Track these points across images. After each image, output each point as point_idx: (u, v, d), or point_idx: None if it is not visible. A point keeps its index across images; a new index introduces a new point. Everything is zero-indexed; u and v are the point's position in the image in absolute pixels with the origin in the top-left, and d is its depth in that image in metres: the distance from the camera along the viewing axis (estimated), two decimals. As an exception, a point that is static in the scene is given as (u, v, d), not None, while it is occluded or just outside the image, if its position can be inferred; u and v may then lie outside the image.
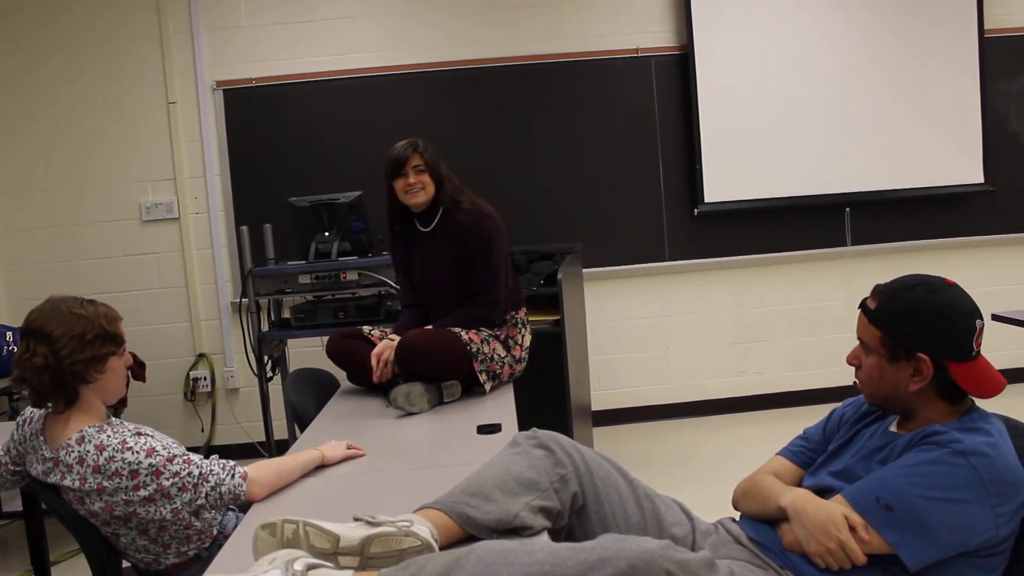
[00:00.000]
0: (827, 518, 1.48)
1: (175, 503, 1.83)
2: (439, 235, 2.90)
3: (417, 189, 2.84)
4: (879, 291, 1.61)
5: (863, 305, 1.62)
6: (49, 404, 1.91)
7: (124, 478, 1.79)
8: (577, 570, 1.25)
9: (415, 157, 2.84)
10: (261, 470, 1.88)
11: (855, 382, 1.67)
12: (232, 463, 1.88)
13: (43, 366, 1.82)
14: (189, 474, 1.81)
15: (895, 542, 1.42)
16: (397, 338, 2.74)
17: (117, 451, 1.79)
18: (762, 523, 1.66)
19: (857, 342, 1.66)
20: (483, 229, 2.84)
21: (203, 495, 1.83)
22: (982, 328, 1.55)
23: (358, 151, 4.69)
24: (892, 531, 1.43)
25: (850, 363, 1.66)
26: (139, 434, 1.84)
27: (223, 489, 1.84)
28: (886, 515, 1.43)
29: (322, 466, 2.03)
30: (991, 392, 1.54)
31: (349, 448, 2.11)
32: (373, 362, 2.71)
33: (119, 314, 1.97)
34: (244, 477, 1.84)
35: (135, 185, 4.79)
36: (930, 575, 1.45)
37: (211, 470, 1.84)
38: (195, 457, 1.84)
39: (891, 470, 1.49)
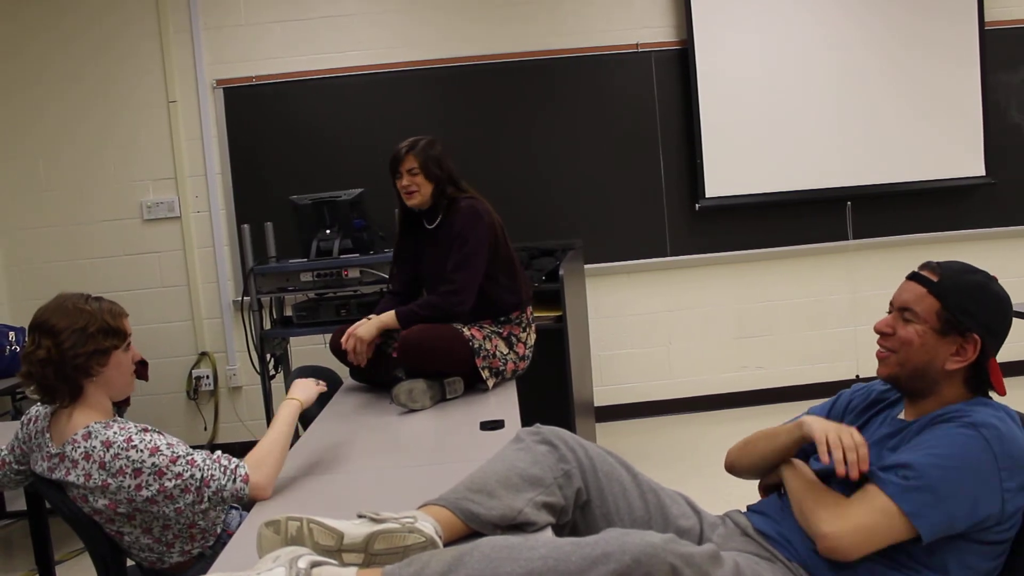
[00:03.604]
0: (845, 429, 1.51)
1: (178, 503, 1.83)
2: (440, 233, 2.89)
3: (411, 191, 2.84)
4: (935, 266, 1.60)
5: (918, 277, 1.61)
6: (56, 401, 1.92)
7: (128, 476, 1.79)
8: (581, 565, 1.25)
9: (408, 159, 2.82)
10: (260, 469, 1.86)
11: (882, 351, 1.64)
12: (234, 464, 1.85)
13: (46, 359, 1.84)
14: (191, 476, 1.80)
15: (910, 511, 1.41)
16: (386, 319, 2.77)
17: (122, 448, 1.80)
18: (770, 516, 1.65)
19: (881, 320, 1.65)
20: (461, 223, 2.80)
21: (206, 498, 1.84)
22: None
23: (359, 148, 4.69)
24: (907, 501, 1.42)
25: (881, 331, 1.63)
26: (145, 431, 1.84)
27: (225, 494, 1.84)
28: (902, 484, 1.43)
29: (325, 468, 2.03)
30: (1003, 391, 1.57)
31: (317, 384, 2.17)
32: (345, 337, 2.76)
33: (124, 310, 1.98)
34: (245, 480, 1.83)
35: (136, 184, 4.79)
36: (935, 563, 1.45)
37: (212, 475, 1.82)
38: (198, 458, 1.83)
39: (905, 451, 1.50)
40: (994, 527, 1.45)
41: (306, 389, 2.13)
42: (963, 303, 1.55)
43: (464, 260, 2.76)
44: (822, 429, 1.51)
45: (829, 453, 1.47)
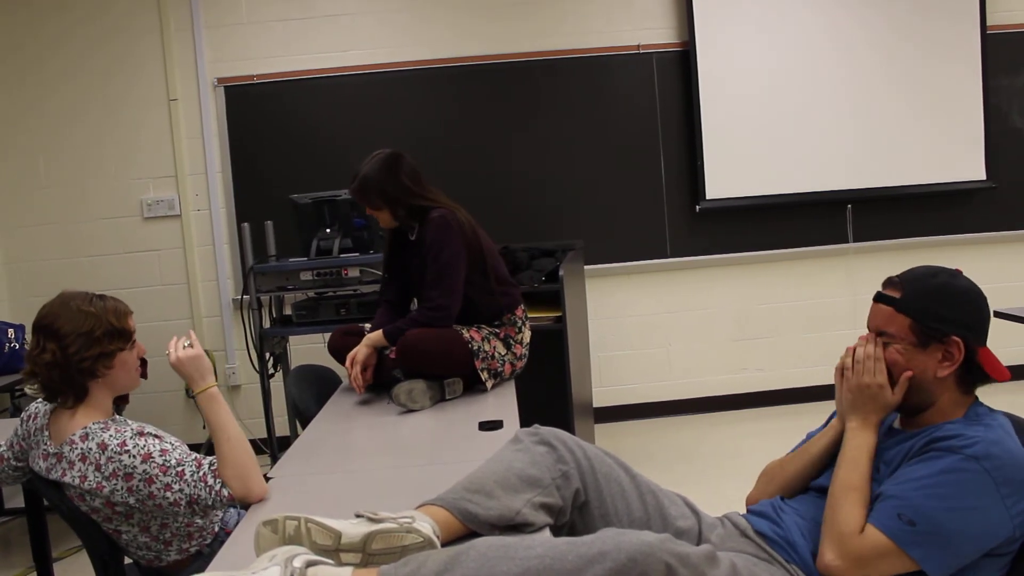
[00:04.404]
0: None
1: (169, 511, 1.84)
2: (419, 243, 2.86)
3: (375, 217, 2.89)
4: (897, 281, 1.60)
5: (882, 297, 1.60)
6: (59, 399, 1.92)
7: (120, 479, 1.79)
8: (577, 564, 1.24)
9: (357, 196, 2.85)
10: (246, 482, 1.80)
11: None
12: (219, 485, 1.79)
13: (52, 362, 1.84)
14: (180, 491, 1.79)
15: (919, 557, 1.41)
16: (374, 338, 2.75)
17: (115, 452, 1.79)
18: (769, 517, 1.65)
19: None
20: (432, 237, 2.78)
21: (196, 512, 1.84)
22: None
23: (359, 147, 4.63)
24: (916, 547, 1.42)
25: None
26: (140, 435, 1.84)
27: (215, 510, 1.84)
28: (909, 531, 1.42)
29: (323, 467, 2.02)
30: (1006, 375, 1.55)
31: (188, 348, 1.94)
32: (348, 365, 2.74)
33: (129, 308, 1.97)
34: (231, 499, 1.81)
35: (136, 182, 4.79)
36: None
37: (198, 495, 1.79)
38: (188, 471, 1.79)
39: (907, 484, 1.47)
40: (1004, 545, 1.45)
41: (202, 366, 1.92)
42: (932, 310, 1.54)
43: (439, 276, 2.75)
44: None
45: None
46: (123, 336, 1.91)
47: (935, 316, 1.54)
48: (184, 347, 1.92)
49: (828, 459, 1.68)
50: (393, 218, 2.85)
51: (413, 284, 2.99)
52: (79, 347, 1.84)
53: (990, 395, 1.59)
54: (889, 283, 1.61)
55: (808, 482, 1.73)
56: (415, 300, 3.09)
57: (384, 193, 2.80)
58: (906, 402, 1.60)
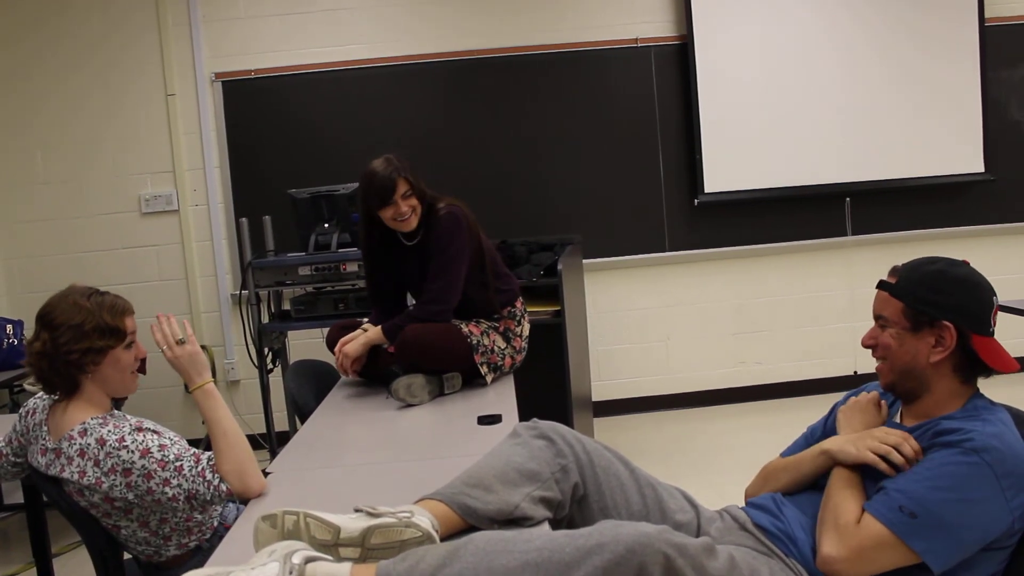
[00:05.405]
0: (868, 433, 1.58)
1: (167, 506, 1.84)
2: (424, 247, 2.82)
3: (408, 216, 2.72)
4: (898, 269, 1.63)
5: (882, 283, 1.63)
6: (55, 392, 1.92)
7: (118, 475, 1.80)
8: (575, 555, 1.25)
9: (402, 183, 2.67)
10: (244, 478, 1.80)
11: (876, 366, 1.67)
12: (217, 480, 1.80)
13: (42, 352, 1.85)
14: (179, 486, 1.79)
15: (922, 550, 1.42)
16: (371, 327, 2.77)
17: (114, 448, 1.80)
18: (769, 511, 1.65)
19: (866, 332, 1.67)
20: (442, 229, 2.74)
21: (195, 508, 1.85)
22: (998, 307, 1.59)
23: (357, 142, 4.68)
24: (918, 539, 1.42)
25: (866, 345, 1.65)
26: (139, 430, 1.84)
27: (212, 504, 1.84)
28: (911, 523, 1.42)
29: (322, 462, 2.02)
30: (1010, 367, 1.55)
31: (180, 344, 1.90)
32: (336, 350, 2.75)
33: (129, 308, 1.96)
34: (229, 494, 1.81)
35: (134, 177, 4.78)
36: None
37: (196, 490, 1.79)
38: (186, 466, 1.80)
39: (907, 478, 1.48)
40: (1003, 538, 1.46)
41: (198, 363, 1.92)
42: (923, 295, 1.56)
43: (443, 268, 2.73)
44: (857, 449, 1.56)
45: (892, 466, 1.52)
46: (115, 334, 1.90)
47: (925, 300, 1.56)
48: (179, 342, 1.92)
49: (817, 481, 1.69)
50: (419, 206, 2.76)
51: (411, 282, 2.97)
52: (68, 339, 1.84)
53: (989, 386, 1.59)
54: (892, 271, 1.64)
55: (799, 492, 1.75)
56: (408, 296, 3.08)
57: (419, 180, 2.74)
58: (900, 388, 1.63)
